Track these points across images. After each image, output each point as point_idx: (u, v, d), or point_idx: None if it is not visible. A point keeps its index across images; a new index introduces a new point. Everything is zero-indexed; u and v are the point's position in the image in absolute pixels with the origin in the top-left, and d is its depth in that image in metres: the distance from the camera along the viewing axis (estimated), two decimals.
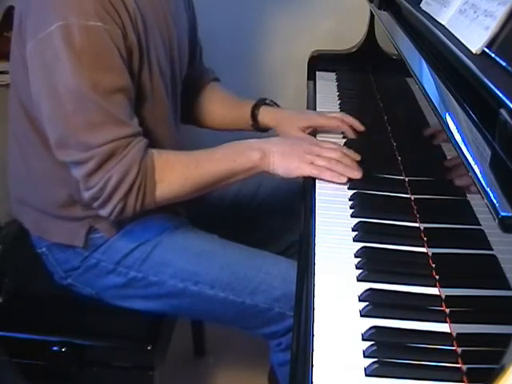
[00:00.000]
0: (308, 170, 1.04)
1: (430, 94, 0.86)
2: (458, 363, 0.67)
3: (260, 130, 1.32)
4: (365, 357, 0.68)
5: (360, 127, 1.22)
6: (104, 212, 1.01)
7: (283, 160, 1.04)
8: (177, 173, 1.02)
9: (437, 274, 0.81)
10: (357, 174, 1.03)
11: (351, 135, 1.21)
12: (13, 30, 1.05)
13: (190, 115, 1.36)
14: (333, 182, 1.03)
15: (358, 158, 1.06)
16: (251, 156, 1.04)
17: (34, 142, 1.09)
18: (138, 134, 1.00)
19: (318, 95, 1.47)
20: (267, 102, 1.32)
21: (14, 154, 1.16)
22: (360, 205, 0.97)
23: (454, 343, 0.70)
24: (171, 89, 1.16)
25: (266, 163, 1.04)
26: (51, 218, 1.13)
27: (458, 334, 0.71)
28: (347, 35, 1.65)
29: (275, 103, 1.35)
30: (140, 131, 1.01)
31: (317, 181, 1.05)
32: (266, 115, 1.30)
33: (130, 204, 0.99)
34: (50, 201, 1.12)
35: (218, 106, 1.36)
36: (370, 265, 0.83)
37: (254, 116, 1.30)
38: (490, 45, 0.74)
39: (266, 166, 1.05)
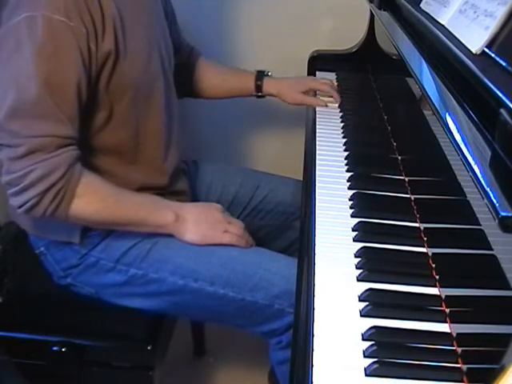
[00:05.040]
0: (226, 239, 1.12)
1: (430, 94, 0.86)
2: (458, 363, 0.67)
3: (260, 97, 1.48)
4: (365, 357, 0.68)
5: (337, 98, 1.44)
6: (15, 201, 1.00)
7: (198, 228, 1.11)
8: (97, 196, 1.04)
9: (437, 274, 0.81)
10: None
11: (338, 99, 1.43)
12: None
13: (187, 89, 1.42)
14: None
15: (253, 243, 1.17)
16: (166, 216, 1.10)
17: None
18: (71, 138, 1.00)
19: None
20: (266, 73, 1.47)
21: None
22: (360, 205, 0.97)
23: (454, 343, 0.70)
24: (164, 81, 1.18)
25: (177, 228, 1.10)
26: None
27: (458, 334, 0.71)
28: (347, 35, 1.65)
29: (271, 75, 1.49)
30: (75, 136, 1.01)
31: (317, 181, 1.05)
32: (269, 85, 1.45)
33: (44, 204, 0.99)
34: None
35: (212, 74, 1.46)
36: (370, 265, 0.83)
37: (257, 86, 1.45)
38: (490, 45, 0.74)
39: (176, 230, 1.11)
